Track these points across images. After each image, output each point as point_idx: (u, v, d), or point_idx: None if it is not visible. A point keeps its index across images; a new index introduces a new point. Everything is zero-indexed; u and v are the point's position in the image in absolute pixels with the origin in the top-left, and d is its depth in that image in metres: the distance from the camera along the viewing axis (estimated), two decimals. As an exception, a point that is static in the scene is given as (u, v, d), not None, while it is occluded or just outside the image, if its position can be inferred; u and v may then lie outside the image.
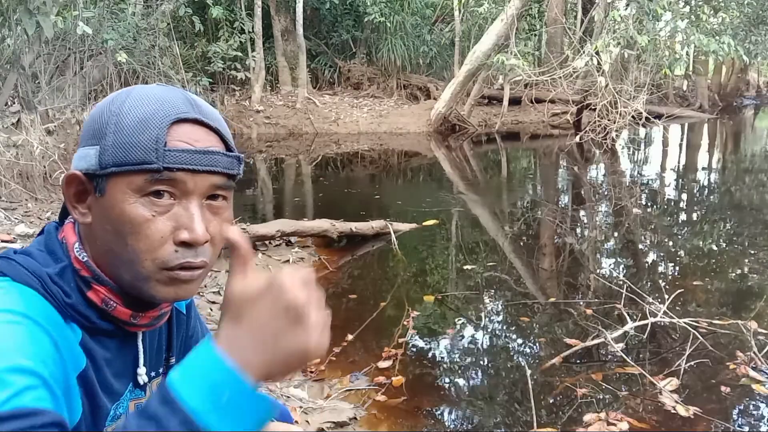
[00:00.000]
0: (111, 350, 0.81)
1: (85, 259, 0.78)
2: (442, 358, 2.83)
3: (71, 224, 0.81)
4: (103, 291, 0.77)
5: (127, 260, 0.75)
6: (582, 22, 12.77)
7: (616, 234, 5.06)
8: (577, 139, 9.81)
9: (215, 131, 0.78)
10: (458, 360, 2.81)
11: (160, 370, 0.93)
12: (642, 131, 11.74)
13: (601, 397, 2.40)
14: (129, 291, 0.78)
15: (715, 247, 4.55)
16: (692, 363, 2.60)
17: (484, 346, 2.97)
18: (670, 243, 4.74)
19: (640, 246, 4.69)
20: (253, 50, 11.39)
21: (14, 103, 6.05)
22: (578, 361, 2.71)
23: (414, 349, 2.85)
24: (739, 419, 2.29)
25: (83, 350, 0.75)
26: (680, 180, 7.87)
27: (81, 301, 0.76)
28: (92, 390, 0.76)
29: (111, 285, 0.78)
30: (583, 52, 9.43)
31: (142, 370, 0.87)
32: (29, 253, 0.78)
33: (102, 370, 0.79)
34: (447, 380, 2.62)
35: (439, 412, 2.36)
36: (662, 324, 2.95)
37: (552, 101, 11.70)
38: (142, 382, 0.87)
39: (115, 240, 0.75)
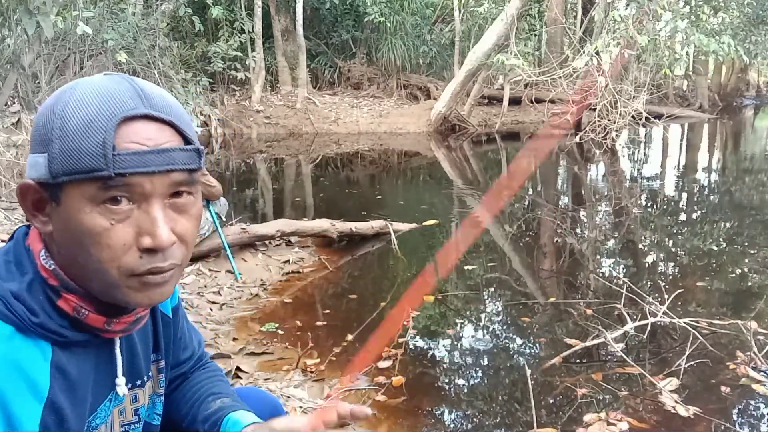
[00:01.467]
0: (87, 361, 0.77)
1: (52, 267, 0.73)
2: (442, 358, 2.83)
3: (37, 230, 0.76)
4: (74, 299, 0.73)
5: (93, 269, 0.71)
6: (582, 22, 12.77)
7: (616, 234, 5.06)
8: (577, 139, 9.81)
9: (169, 124, 0.72)
10: (458, 360, 2.81)
11: (150, 374, 0.91)
12: (642, 131, 11.74)
13: (601, 397, 2.40)
14: (101, 298, 0.75)
15: (715, 247, 4.55)
16: (692, 363, 2.60)
17: (484, 346, 2.97)
18: (670, 243, 4.74)
19: (640, 246, 4.69)
20: (253, 50, 11.38)
21: (14, 103, 6.05)
22: (578, 361, 2.71)
23: (414, 349, 2.85)
24: (739, 419, 2.29)
25: (56, 370, 0.72)
26: (680, 180, 7.87)
27: (52, 313, 0.72)
28: (62, 413, 0.72)
29: (80, 292, 0.74)
30: (583, 52, 9.43)
31: (121, 380, 0.83)
32: None
33: (75, 387, 0.74)
34: (447, 380, 2.62)
35: (439, 412, 2.36)
36: (662, 324, 2.95)
37: (552, 101, 11.70)
38: (121, 393, 0.83)
39: (78, 250, 0.71)
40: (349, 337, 2.91)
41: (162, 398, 0.94)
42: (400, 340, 2.86)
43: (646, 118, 9.56)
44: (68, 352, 0.74)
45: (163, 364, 0.93)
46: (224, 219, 4.01)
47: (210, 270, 3.65)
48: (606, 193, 6.78)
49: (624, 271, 4.07)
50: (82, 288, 0.74)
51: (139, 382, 0.88)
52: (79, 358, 0.75)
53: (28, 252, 0.76)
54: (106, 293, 0.74)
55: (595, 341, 2.76)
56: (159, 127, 0.71)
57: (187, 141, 0.73)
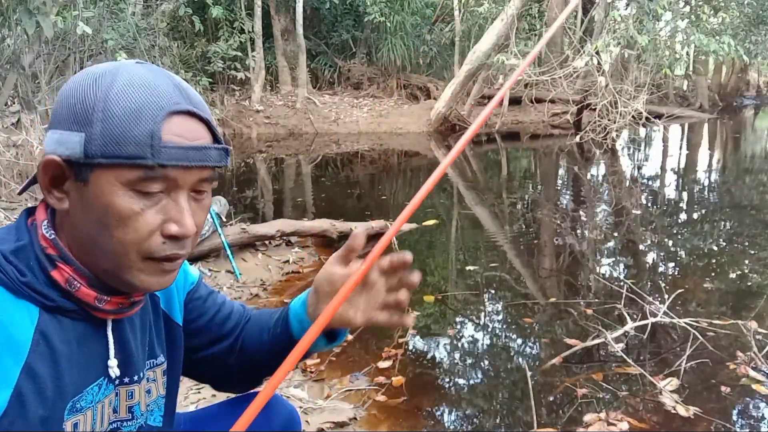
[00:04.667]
0: (75, 335, 0.76)
1: (53, 237, 0.75)
2: (442, 358, 2.83)
3: (43, 204, 0.78)
4: (68, 270, 0.74)
5: (111, 251, 0.73)
6: (582, 22, 12.77)
7: (616, 234, 5.06)
8: (577, 139, 9.81)
9: (205, 122, 0.76)
10: (458, 360, 2.81)
11: (153, 377, 0.90)
12: (642, 131, 11.74)
13: (601, 397, 2.40)
14: (105, 279, 0.76)
15: (715, 247, 4.55)
16: (692, 363, 2.60)
17: (484, 346, 2.97)
18: (670, 243, 4.74)
19: (640, 246, 4.69)
20: (253, 50, 11.38)
21: (14, 103, 6.06)
22: (578, 361, 2.71)
23: (414, 349, 2.85)
24: (739, 419, 2.29)
25: (40, 335, 0.71)
26: (680, 180, 7.87)
27: (42, 279, 0.73)
28: (40, 382, 0.71)
29: (77, 266, 0.75)
30: (583, 52, 9.43)
31: (113, 362, 0.82)
32: None
33: (58, 357, 0.73)
34: (447, 380, 2.62)
35: (439, 412, 2.36)
36: (662, 324, 2.95)
37: (552, 101, 11.70)
38: (113, 375, 0.82)
39: (98, 230, 0.73)
40: (349, 337, 2.90)
41: (164, 400, 0.93)
42: (400, 340, 2.86)
43: (646, 118, 9.57)
44: (56, 321, 0.73)
45: (166, 366, 0.92)
46: (224, 219, 4.01)
47: (210, 270, 3.65)
48: (606, 193, 6.78)
49: (624, 271, 4.07)
50: (84, 265, 0.75)
51: (136, 378, 0.86)
52: (67, 330, 0.75)
53: (30, 224, 0.77)
54: (114, 274, 0.75)
55: (595, 341, 2.76)
56: (197, 123, 0.75)
57: (216, 139, 0.77)
